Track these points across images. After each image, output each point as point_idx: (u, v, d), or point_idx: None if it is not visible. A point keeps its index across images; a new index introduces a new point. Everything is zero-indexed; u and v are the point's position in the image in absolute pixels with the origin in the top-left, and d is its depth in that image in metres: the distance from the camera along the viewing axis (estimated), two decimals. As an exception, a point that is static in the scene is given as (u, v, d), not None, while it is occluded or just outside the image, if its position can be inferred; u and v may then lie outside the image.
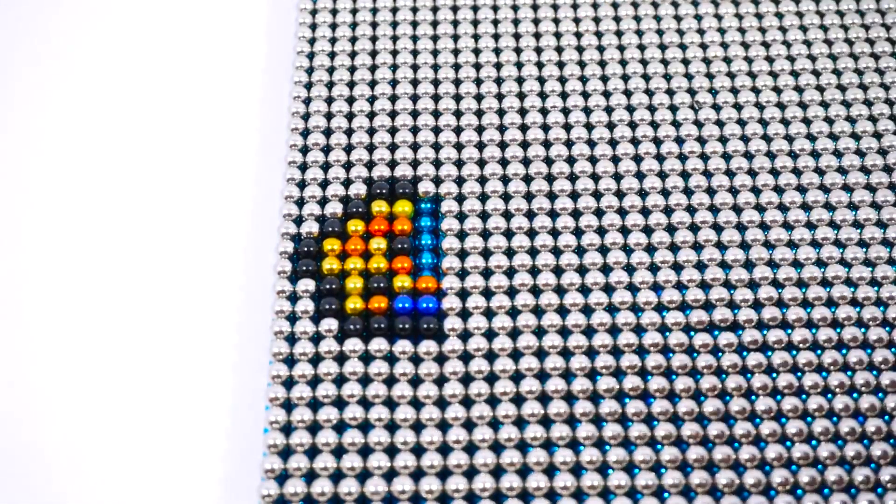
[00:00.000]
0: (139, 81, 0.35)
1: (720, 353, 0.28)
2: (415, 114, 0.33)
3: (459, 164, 0.32)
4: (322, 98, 0.33)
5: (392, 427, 0.27)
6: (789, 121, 0.32)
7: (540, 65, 0.34)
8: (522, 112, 0.33)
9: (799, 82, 0.33)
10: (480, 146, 0.32)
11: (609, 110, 0.33)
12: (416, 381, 0.28)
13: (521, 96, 0.33)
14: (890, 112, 0.32)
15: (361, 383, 0.28)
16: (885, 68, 0.33)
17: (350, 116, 0.33)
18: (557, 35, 0.34)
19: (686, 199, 0.31)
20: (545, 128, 0.32)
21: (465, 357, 0.28)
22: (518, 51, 0.34)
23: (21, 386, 0.29)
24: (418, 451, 0.27)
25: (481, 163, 0.32)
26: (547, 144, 0.32)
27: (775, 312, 0.29)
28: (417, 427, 0.27)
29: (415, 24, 0.35)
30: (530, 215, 0.31)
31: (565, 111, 0.33)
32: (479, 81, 0.33)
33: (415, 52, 0.34)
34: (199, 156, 0.33)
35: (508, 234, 0.30)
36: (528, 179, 0.31)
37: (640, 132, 0.32)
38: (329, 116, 0.33)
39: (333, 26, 0.35)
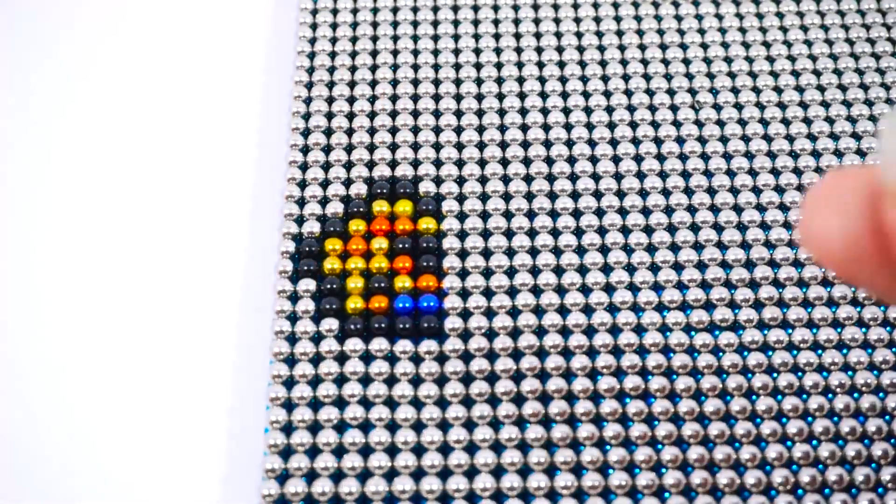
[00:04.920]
0: (139, 81, 0.35)
1: (721, 353, 0.28)
2: (416, 114, 0.33)
3: (460, 163, 0.32)
4: (323, 98, 0.33)
5: (393, 427, 0.27)
6: (790, 121, 0.32)
7: (541, 64, 0.34)
8: (523, 112, 0.33)
9: (800, 82, 0.33)
10: (481, 146, 0.32)
11: (610, 110, 0.33)
12: (416, 381, 0.28)
13: (522, 96, 0.33)
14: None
15: (362, 383, 0.28)
16: (886, 68, 0.33)
17: (351, 116, 0.33)
18: (558, 35, 0.34)
19: (687, 198, 0.31)
20: (546, 127, 0.32)
21: (466, 357, 0.28)
22: (519, 51, 0.34)
23: (21, 385, 0.29)
24: (419, 450, 0.27)
25: (482, 162, 0.32)
26: (548, 144, 0.32)
27: (776, 312, 0.29)
28: (418, 427, 0.27)
29: (415, 24, 0.35)
30: (531, 215, 0.31)
31: (566, 111, 0.33)
32: (479, 81, 0.33)
33: (416, 52, 0.34)
34: (199, 156, 0.33)
35: (509, 233, 0.30)
36: (528, 179, 0.31)
37: (640, 132, 0.32)
38: (330, 116, 0.33)
39: (334, 26, 0.35)
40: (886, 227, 0.16)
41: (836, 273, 0.20)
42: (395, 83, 0.33)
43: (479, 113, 0.33)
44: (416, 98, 0.33)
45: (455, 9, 0.35)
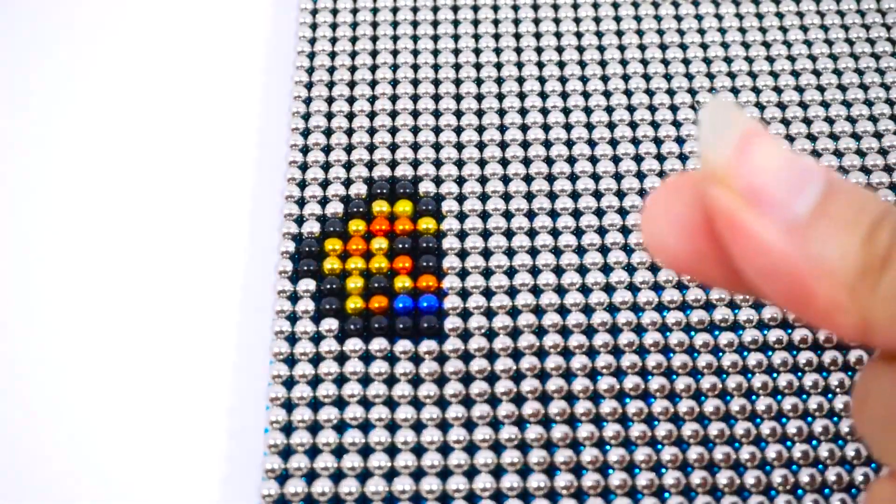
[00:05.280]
0: (139, 81, 0.35)
1: (720, 353, 0.28)
2: (415, 114, 0.33)
3: (460, 163, 0.32)
4: (323, 98, 0.33)
5: (392, 427, 0.27)
6: (790, 121, 0.32)
7: (540, 65, 0.34)
8: (523, 112, 0.33)
9: (799, 82, 0.33)
10: (481, 146, 0.32)
11: (609, 110, 0.33)
12: (416, 381, 0.28)
13: (522, 96, 0.33)
14: (890, 112, 0.32)
15: (362, 383, 0.28)
16: (886, 68, 0.33)
17: (351, 116, 0.33)
18: (558, 35, 0.34)
19: (686, 198, 0.31)
20: (546, 127, 0.32)
21: (466, 357, 0.28)
22: (519, 51, 0.34)
23: (21, 385, 0.29)
24: (419, 450, 0.27)
25: (482, 163, 0.32)
26: (547, 144, 0.32)
27: (776, 312, 0.29)
28: (418, 427, 0.27)
29: (415, 24, 0.35)
30: (531, 215, 0.31)
31: (566, 111, 0.33)
32: (479, 81, 0.33)
33: (415, 52, 0.34)
34: (199, 156, 0.33)
35: (509, 233, 0.30)
36: (528, 179, 0.31)
37: (640, 132, 0.32)
38: (330, 116, 0.33)
39: (334, 26, 0.35)
40: (709, 207, 0.18)
41: (684, 273, 0.22)
42: (394, 83, 0.33)
43: (479, 113, 0.33)
44: (415, 98, 0.33)
45: (455, 9, 0.35)
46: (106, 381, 0.29)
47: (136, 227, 0.32)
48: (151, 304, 0.31)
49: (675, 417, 0.27)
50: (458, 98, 0.33)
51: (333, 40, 0.34)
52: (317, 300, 0.29)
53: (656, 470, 0.27)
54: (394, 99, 0.33)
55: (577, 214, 0.31)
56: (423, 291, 0.29)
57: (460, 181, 0.31)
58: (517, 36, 0.34)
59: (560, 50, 0.34)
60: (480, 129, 0.32)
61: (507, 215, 0.31)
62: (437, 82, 0.33)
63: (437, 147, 0.32)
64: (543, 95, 0.33)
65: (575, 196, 0.31)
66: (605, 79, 0.33)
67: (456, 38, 0.34)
